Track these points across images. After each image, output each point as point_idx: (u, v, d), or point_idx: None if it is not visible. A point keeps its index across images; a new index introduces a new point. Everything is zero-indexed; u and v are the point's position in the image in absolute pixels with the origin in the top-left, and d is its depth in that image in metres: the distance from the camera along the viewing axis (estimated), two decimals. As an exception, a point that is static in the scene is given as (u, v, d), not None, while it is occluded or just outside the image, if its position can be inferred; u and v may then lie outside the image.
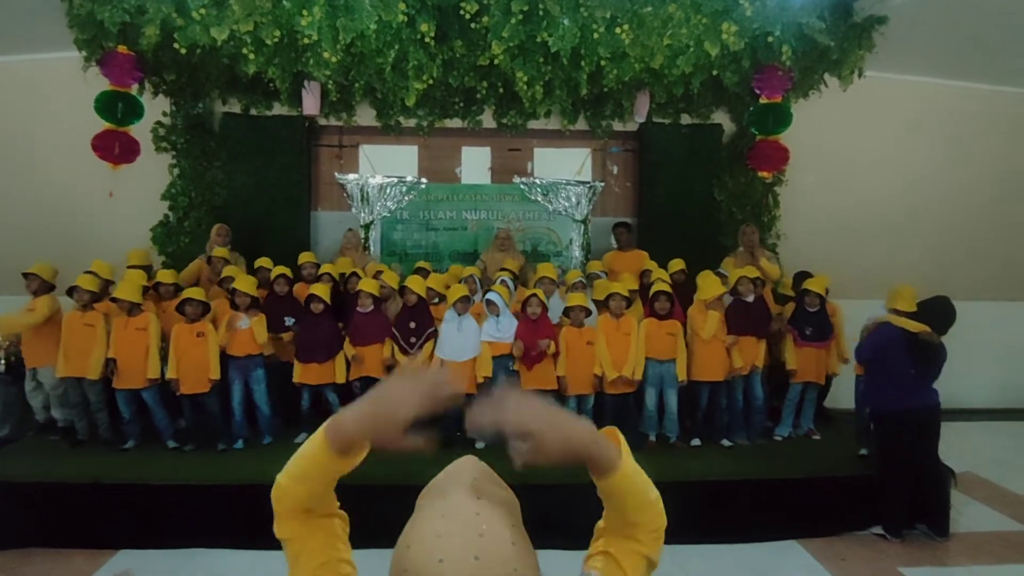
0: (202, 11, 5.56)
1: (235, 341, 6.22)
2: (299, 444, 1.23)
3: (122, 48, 6.24)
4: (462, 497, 1.12)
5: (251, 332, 6.23)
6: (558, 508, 5.36)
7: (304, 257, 7.28)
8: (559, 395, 6.13)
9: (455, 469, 1.25)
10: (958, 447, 5.93)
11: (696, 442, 6.34)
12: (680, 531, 5.57)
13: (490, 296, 6.25)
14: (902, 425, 5.28)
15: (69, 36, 6.07)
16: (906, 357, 5.29)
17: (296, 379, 6.31)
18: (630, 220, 8.53)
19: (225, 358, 6.22)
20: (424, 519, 1.10)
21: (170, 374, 6.03)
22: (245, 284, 6.31)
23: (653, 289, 6.34)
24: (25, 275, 6.36)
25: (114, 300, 6.11)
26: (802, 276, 6.87)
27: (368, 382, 6.28)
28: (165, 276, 6.64)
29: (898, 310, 5.61)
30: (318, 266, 7.10)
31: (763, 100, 6.98)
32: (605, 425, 1.29)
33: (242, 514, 5.25)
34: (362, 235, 8.31)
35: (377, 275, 6.83)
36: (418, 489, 1.24)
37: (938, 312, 5.38)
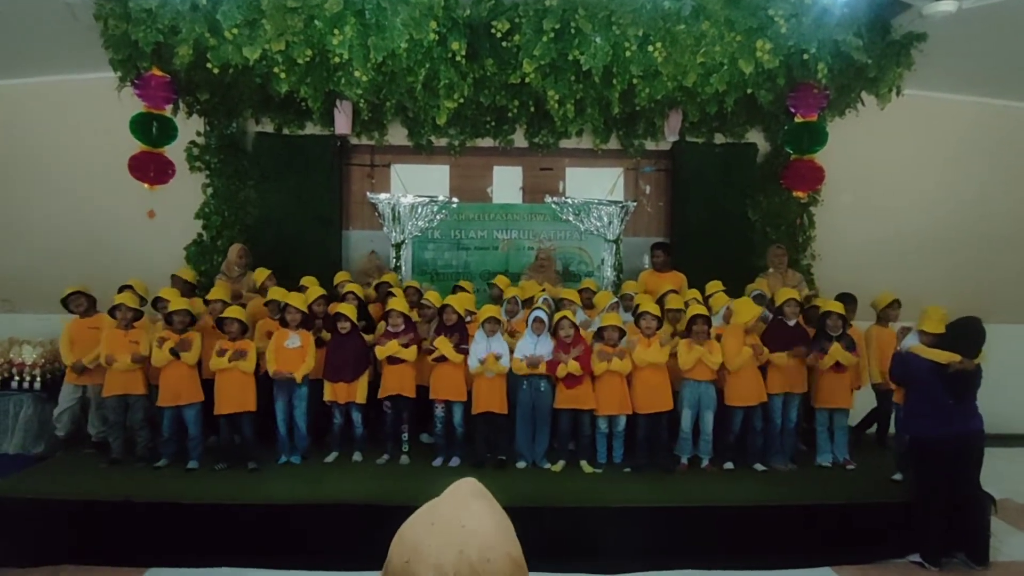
0: (234, 31, 5.58)
1: (283, 359, 6.16)
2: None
3: (156, 70, 6.31)
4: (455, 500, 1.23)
5: (300, 351, 6.21)
6: (577, 530, 5.30)
7: (340, 277, 7.33)
8: (592, 415, 6.06)
9: (454, 484, 1.32)
10: (998, 473, 5.71)
11: (729, 466, 6.21)
12: (712, 556, 5.48)
13: (537, 313, 6.18)
14: (940, 451, 5.13)
15: (103, 57, 6.14)
16: (940, 387, 5.15)
17: (326, 397, 6.29)
18: (666, 240, 8.42)
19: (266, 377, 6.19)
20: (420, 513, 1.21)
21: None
22: (297, 301, 6.30)
23: (690, 312, 6.25)
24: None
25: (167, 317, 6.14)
26: (846, 298, 6.69)
27: (397, 400, 6.26)
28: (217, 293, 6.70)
29: (927, 332, 5.45)
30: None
31: (798, 119, 6.87)
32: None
33: (270, 533, 5.27)
34: (393, 255, 8.33)
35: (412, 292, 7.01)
36: (408, 509, 1.27)
37: (967, 334, 5.21)
